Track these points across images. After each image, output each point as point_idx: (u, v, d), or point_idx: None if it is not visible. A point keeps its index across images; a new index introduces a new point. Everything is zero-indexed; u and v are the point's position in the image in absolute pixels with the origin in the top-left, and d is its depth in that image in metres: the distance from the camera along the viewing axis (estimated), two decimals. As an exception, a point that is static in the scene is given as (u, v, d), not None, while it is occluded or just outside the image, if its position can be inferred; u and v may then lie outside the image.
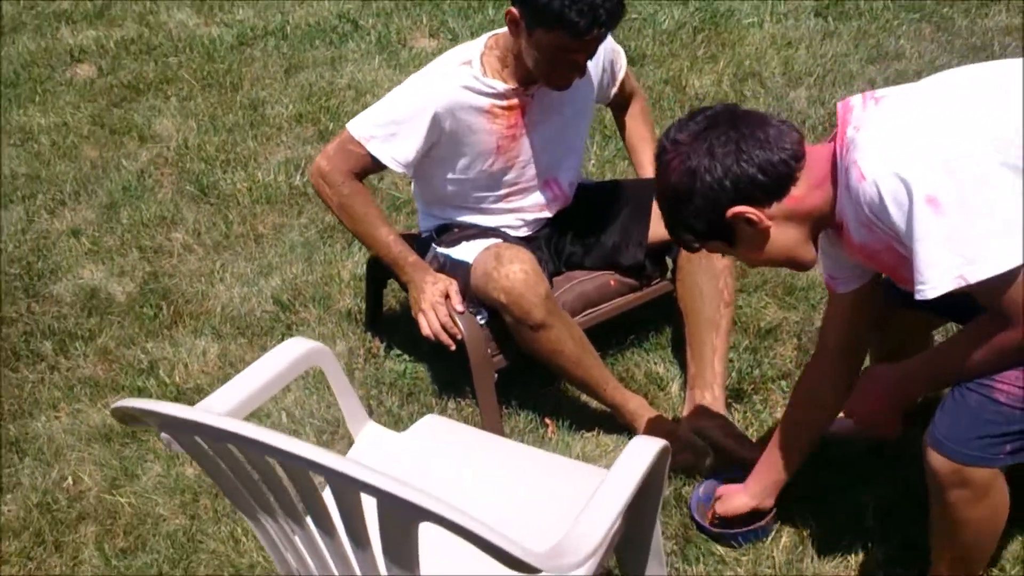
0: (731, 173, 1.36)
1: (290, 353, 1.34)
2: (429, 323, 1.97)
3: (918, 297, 1.29)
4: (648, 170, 2.29)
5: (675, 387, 2.26)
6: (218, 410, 1.21)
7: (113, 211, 3.11)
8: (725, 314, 2.10)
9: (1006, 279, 1.24)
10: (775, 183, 1.37)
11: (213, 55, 4.21)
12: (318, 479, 0.99)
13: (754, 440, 2.06)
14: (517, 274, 1.87)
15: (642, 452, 1.14)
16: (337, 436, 2.15)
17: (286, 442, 0.91)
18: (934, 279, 1.26)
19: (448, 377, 2.27)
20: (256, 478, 1.03)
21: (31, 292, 2.74)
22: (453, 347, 1.98)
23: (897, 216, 1.27)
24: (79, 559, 1.91)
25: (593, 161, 3.25)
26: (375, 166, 2.00)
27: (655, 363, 2.33)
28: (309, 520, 1.07)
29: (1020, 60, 1.38)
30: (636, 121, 2.33)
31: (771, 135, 1.37)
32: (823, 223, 1.44)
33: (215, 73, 4.04)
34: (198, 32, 4.45)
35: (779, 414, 2.16)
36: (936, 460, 1.39)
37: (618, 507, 1.06)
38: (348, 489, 0.94)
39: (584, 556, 0.98)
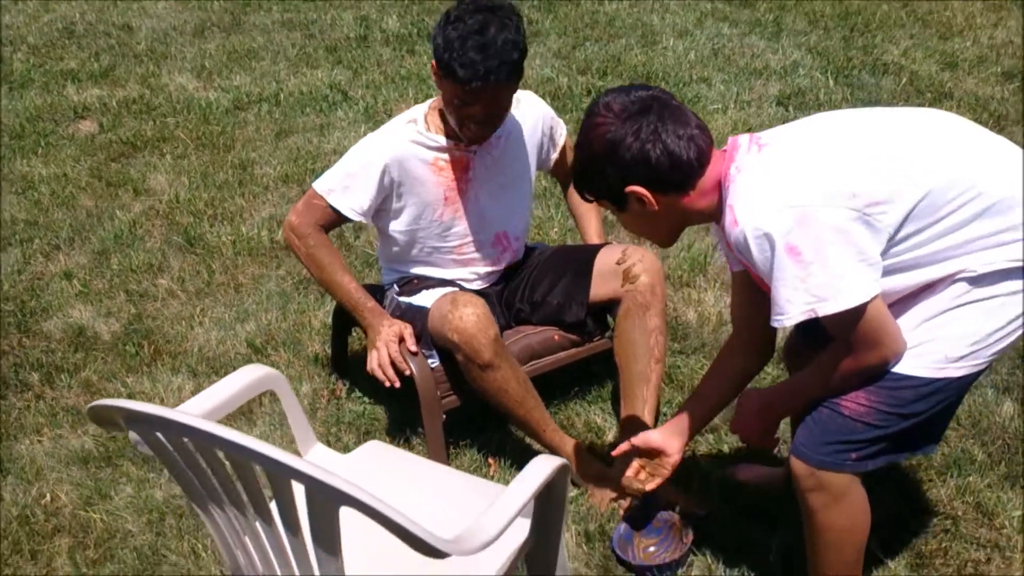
0: (646, 158, 1.53)
1: (248, 376, 1.54)
2: (379, 359, 2.16)
3: (775, 324, 1.54)
4: (593, 239, 2.53)
5: (611, 436, 2.45)
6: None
7: (104, 257, 3.33)
8: (655, 369, 2.30)
9: (852, 313, 1.48)
10: (679, 178, 1.56)
11: (209, 117, 4.49)
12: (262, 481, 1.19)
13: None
14: (470, 317, 2.08)
15: (541, 466, 1.34)
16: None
17: (231, 433, 1.11)
18: (789, 311, 1.50)
19: (402, 417, 2.46)
20: (206, 469, 1.22)
21: (23, 328, 2.94)
22: (398, 384, 2.16)
23: (760, 260, 1.50)
24: (52, 566, 2.07)
25: (556, 229, 3.50)
26: (337, 217, 2.23)
27: (595, 414, 2.53)
28: (251, 509, 1.26)
29: (893, 110, 1.63)
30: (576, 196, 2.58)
31: (689, 134, 1.54)
32: (703, 221, 1.66)
33: (209, 134, 4.31)
34: (196, 95, 4.73)
35: (705, 464, 2.35)
36: (795, 465, 1.63)
37: (514, 508, 1.26)
38: (281, 476, 1.13)
39: (480, 544, 1.17)
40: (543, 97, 4.66)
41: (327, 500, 1.12)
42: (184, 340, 2.87)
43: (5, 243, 3.43)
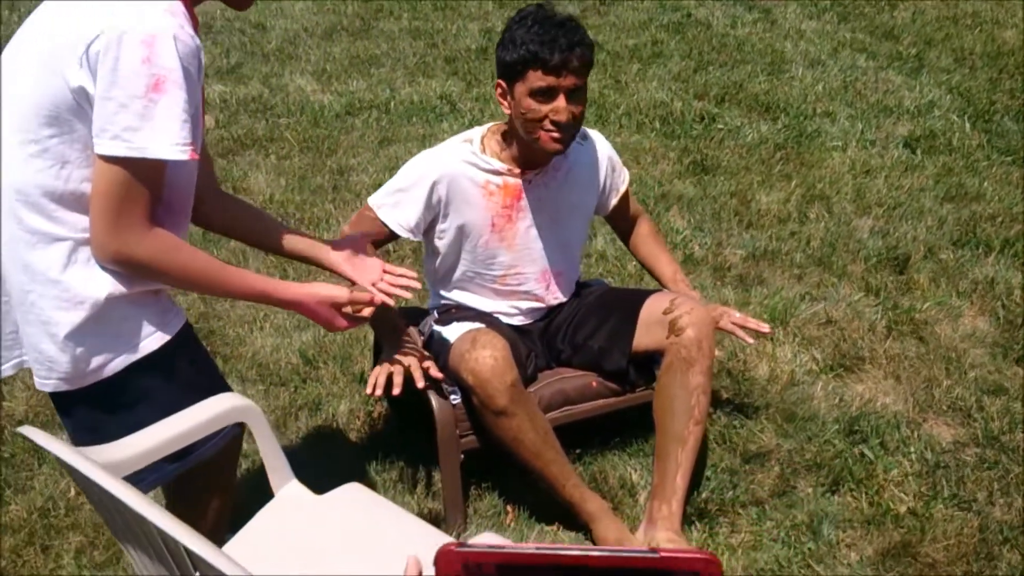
0: None
1: (218, 406, 1.51)
2: (391, 367, 2.00)
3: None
4: (672, 282, 2.38)
5: (643, 497, 2.30)
6: (131, 451, 1.38)
7: (189, 252, 3.43)
8: (694, 431, 2.14)
9: (141, 168, 1.35)
10: None
11: (319, 120, 4.58)
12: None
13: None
14: (486, 360, 1.99)
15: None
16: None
17: (131, 499, 1.06)
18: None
19: (429, 452, 2.38)
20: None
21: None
22: (389, 391, 1.97)
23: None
24: (61, 564, 2.12)
25: (634, 263, 3.35)
26: (388, 232, 2.19)
27: (633, 469, 2.38)
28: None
29: None
30: (648, 240, 2.45)
31: None
32: None
33: (316, 137, 4.39)
34: (312, 98, 4.85)
35: (738, 539, 2.16)
36: None
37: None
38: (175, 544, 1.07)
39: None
40: (652, 121, 4.55)
41: None
42: (242, 344, 2.91)
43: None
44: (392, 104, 4.78)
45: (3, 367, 1.53)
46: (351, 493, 1.64)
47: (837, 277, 3.27)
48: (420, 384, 2.00)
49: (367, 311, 1.69)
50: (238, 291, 1.51)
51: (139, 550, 1.22)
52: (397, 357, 2.04)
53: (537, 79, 1.96)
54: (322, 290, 1.60)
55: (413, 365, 2.02)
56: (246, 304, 3.12)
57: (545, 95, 1.98)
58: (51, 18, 1.40)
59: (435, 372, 2.08)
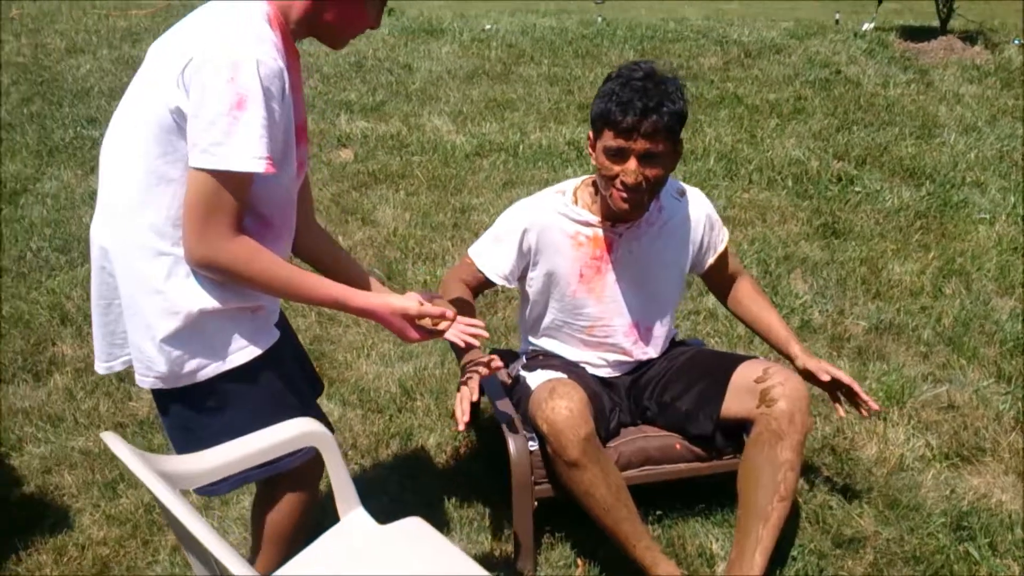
0: None
1: (292, 430, 1.57)
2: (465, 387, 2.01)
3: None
4: (780, 332, 2.29)
5: (722, 568, 2.21)
6: (203, 465, 1.46)
7: (312, 277, 3.59)
8: (778, 507, 2.04)
9: (225, 179, 1.45)
10: None
11: (449, 160, 4.72)
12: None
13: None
14: (562, 411, 1.97)
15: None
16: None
17: (188, 518, 1.12)
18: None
19: (507, 494, 2.38)
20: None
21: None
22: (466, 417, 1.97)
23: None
24: (157, 559, 2.24)
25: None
26: (484, 279, 2.24)
27: (714, 538, 2.29)
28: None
29: None
30: (753, 296, 2.36)
31: None
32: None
33: (444, 176, 4.53)
34: (446, 138, 5.00)
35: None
36: None
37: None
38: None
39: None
40: (785, 179, 4.43)
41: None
42: (348, 369, 3.02)
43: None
44: (521, 148, 4.87)
45: (115, 363, 1.67)
46: (412, 527, 1.65)
47: (967, 359, 3.06)
48: (474, 397, 1.99)
49: (443, 325, 1.72)
50: (315, 297, 1.59)
51: (193, 554, 1.28)
52: (469, 373, 2.05)
53: (609, 139, 1.98)
54: (395, 300, 1.65)
55: (473, 384, 2.01)
56: (357, 331, 3.23)
57: (617, 155, 1.99)
58: (159, 48, 1.55)
59: (496, 364, 2.02)
